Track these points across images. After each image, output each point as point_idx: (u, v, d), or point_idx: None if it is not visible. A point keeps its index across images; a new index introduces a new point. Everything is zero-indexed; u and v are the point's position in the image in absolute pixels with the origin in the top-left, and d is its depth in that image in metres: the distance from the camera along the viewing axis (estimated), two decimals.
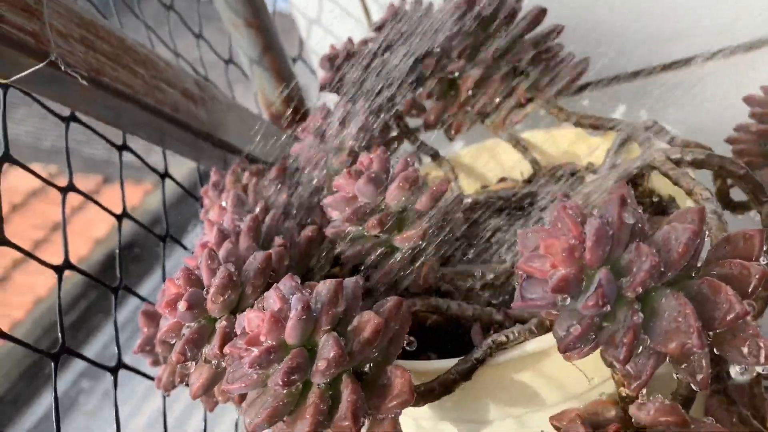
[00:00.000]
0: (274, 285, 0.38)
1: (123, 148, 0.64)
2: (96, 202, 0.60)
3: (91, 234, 2.48)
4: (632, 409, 0.41)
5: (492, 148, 0.72)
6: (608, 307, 0.33)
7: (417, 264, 0.50)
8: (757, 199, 0.51)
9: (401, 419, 0.38)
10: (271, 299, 0.37)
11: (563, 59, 0.64)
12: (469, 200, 0.59)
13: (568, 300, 0.34)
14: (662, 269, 0.34)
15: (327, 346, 0.35)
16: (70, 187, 0.56)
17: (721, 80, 0.74)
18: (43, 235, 2.62)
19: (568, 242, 0.34)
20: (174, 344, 0.43)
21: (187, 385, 0.54)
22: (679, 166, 0.51)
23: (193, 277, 0.42)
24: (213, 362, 0.41)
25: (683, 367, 0.36)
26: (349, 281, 0.38)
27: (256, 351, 0.35)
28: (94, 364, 0.53)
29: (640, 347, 0.35)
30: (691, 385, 0.36)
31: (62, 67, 0.47)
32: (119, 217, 0.62)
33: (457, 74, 0.66)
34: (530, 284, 0.36)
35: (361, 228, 0.49)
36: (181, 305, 0.40)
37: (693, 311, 0.33)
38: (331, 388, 0.36)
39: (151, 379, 0.59)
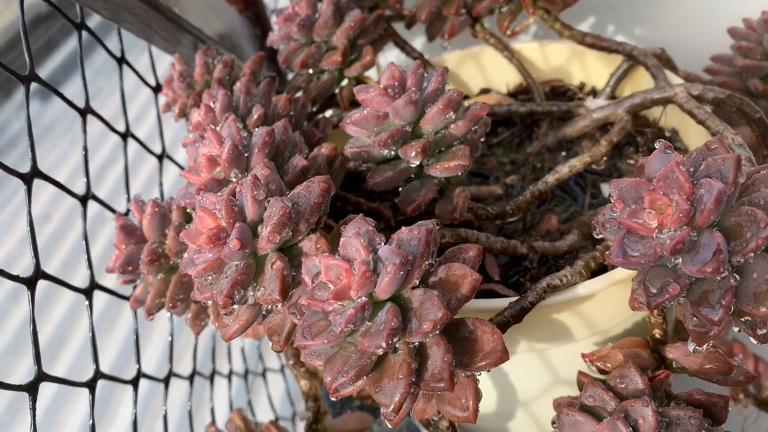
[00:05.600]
0: (353, 230, 0.33)
1: None
2: None
3: None
4: (676, 354, 0.42)
5: (477, 55, 0.68)
6: (725, 273, 0.32)
7: (447, 193, 0.46)
8: (765, 142, 0.53)
9: None
10: (354, 247, 0.33)
11: None
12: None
13: (680, 260, 0.33)
14: None
15: (431, 306, 0.31)
16: None
17: (699, 3, 0.74)
18: None
19: (683, 201, 0.32)
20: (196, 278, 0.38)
21: (172, 307, 0.49)
22: (699, 103, 0.51)
23: (236, 208, 0.36)
24: (267, 307, 0.36)
25: (744, 321, 0.37)
26: (432, 228, 0.35)
27: (350, 309, 0.31)
28: None
29: None
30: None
31: None
32: None
33: None
34: (632, 240, 0.34)
35: (391, 151, 0.45)
36: (233, 244, 0.34)
37: None
38: (418, 345, 0.33)
39: None
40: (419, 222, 0.35)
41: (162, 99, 0.60)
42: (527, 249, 0.48)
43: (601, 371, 0.43)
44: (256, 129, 0.45)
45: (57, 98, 0.50)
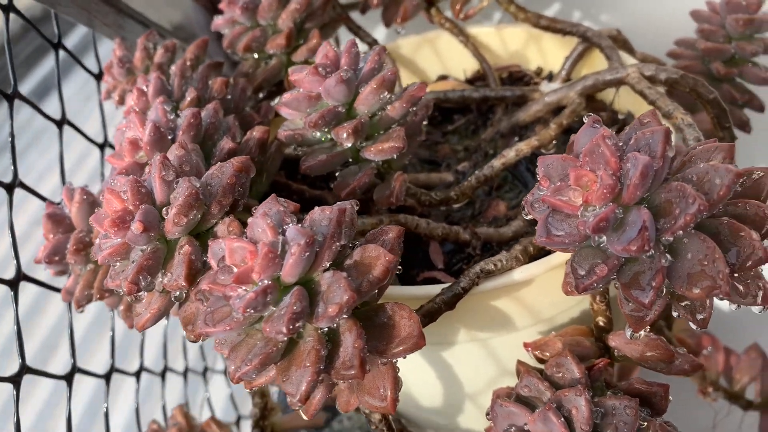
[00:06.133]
0: (261, 211, 0.32)
1: None
2: None
3: None
4: (617, 342, 0.40)
5: (433, 40, 0.66)
6: (651, 251, 0.30)
7: (387, 178, 0.45)
8: (720, 124, 0.51)
9: None
10: (260, 228, 0.31)
11: None
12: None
13: (605, 239, 0.31)
14: None
15: (337, 289, 0.30)
16: None
17: None
18: None
19: (608, 176, 0.31)
20: (111, 264, 0.36)
21: (100, 298, 0.47)
22: (652, 84, 0.49)
23: (143, 190, 0.34)
24: (176, 293, 0.34)
25: (684, 305, 0.35)
26: (346, 207, 0.33)
27: (251, 293, 0.29)
28: None
29: None
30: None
31: None
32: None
33: None
34: (556, 219, 0.33)
35: (325, 134, 0.43)
36: (135, 226, 0.32)
37: (722, 256, 0.31)
38: (329, 331, 0.32)
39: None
40: (337, 203, 0.34)
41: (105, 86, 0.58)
42: (470, 235, 0.46)
43: (540, 360, 0.41)
44: (184, 111, 0.43)
45: (48, 104, 0.49)
